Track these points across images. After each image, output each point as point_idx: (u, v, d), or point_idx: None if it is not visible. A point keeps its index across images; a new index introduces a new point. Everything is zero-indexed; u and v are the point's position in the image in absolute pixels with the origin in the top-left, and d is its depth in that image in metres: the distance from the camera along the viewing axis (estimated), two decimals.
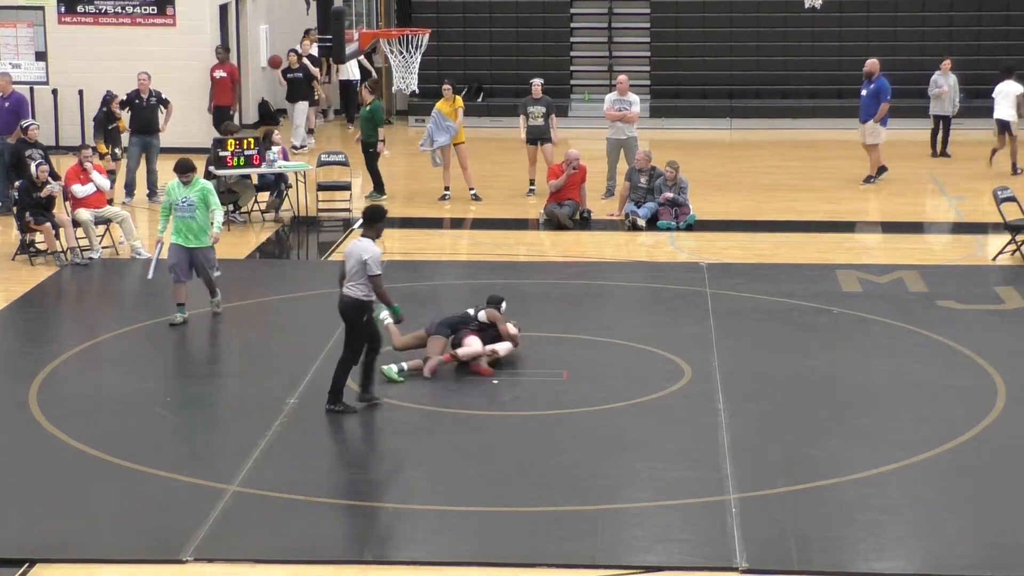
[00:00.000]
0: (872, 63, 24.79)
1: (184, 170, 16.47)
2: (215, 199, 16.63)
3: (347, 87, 30.13)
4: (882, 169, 24.73)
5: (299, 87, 27.98)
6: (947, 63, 27.06)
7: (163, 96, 23.89)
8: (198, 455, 12.79)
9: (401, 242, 21.49)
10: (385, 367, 14.41)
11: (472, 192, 23.35)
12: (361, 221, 14.00)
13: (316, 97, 28.66)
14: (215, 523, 11.17)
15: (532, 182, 23.84)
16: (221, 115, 26.27)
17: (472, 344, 14.79)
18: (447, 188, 23.46)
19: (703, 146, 28.48)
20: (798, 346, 15.83)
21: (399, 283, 18.51)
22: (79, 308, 18.29)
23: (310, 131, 28.51)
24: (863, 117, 24.62)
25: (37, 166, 19.72)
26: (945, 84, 26.86)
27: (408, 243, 21.50)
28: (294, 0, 31.14)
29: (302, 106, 27.95)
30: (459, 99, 23.70)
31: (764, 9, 31.54)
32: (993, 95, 26.06)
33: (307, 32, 29.45)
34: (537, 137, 23.70)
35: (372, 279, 13.52)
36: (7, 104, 22.57)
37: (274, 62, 29.24)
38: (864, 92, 24.67)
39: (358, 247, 13.70)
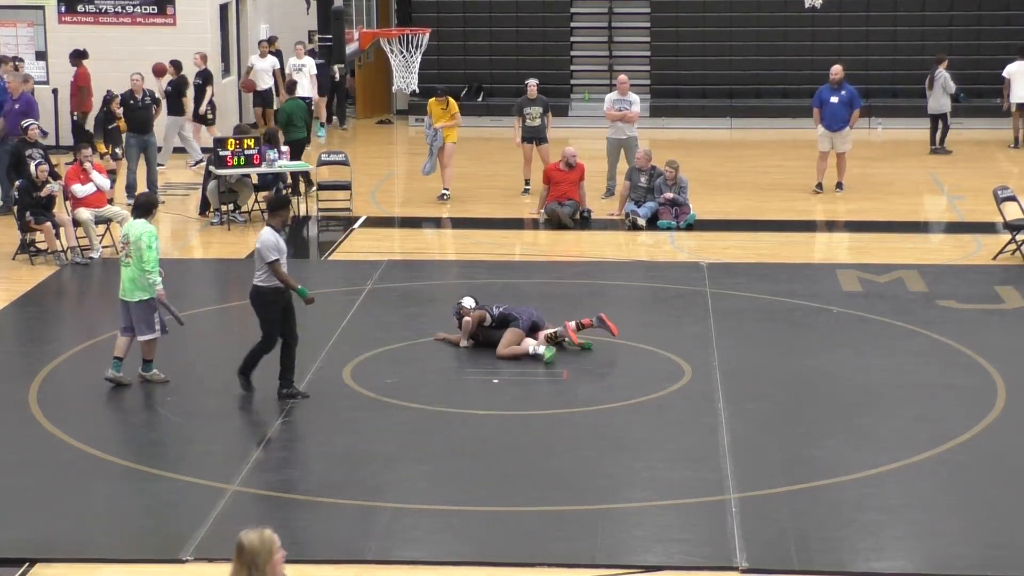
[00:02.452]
0: (839, 69, 24.01)
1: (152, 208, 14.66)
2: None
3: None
4: (837, 182, 23.98)
5: (172, 101, 25.69)
6: (946, 61, 27.24)
7: (156, 96, 23.88)
8: (198, 455, 12.79)
9: (401, 242, 21.49)
10: (547, 355, 14.95)
11: (443, 193, 23.20)
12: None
13: (206, 113, 26.35)
14: (215, 523, 11.16)
15: (527, 182, 23.83)
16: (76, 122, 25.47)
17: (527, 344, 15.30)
18: (446, 188, 23.45)
19: (703, 146, 28.47)
20: (798, 346, 15.82)
21: (399, 283, 18.54)
22: (79, 308, 18.29)
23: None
24: (836, 125, 23.65)
25: (37, 166, 19.73)
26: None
27: (408, 243, 21.51)
28: (294, 0, 31.14)
29: (173, 122, 25.75)
30: (453, 103, 23.54)
31: (764, 9, 31.53)
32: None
33: (268, 40, 28.61)
34: (534, 137, 23.70)
35: (269, 266, 13.72)
36: (17, 106, 22.58)
37: (157, 70, 26.18)
38: (835, 100, 23.72)
39: (259, 237, 13.95)
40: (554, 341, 15.24)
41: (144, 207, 14.54)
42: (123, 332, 14.44)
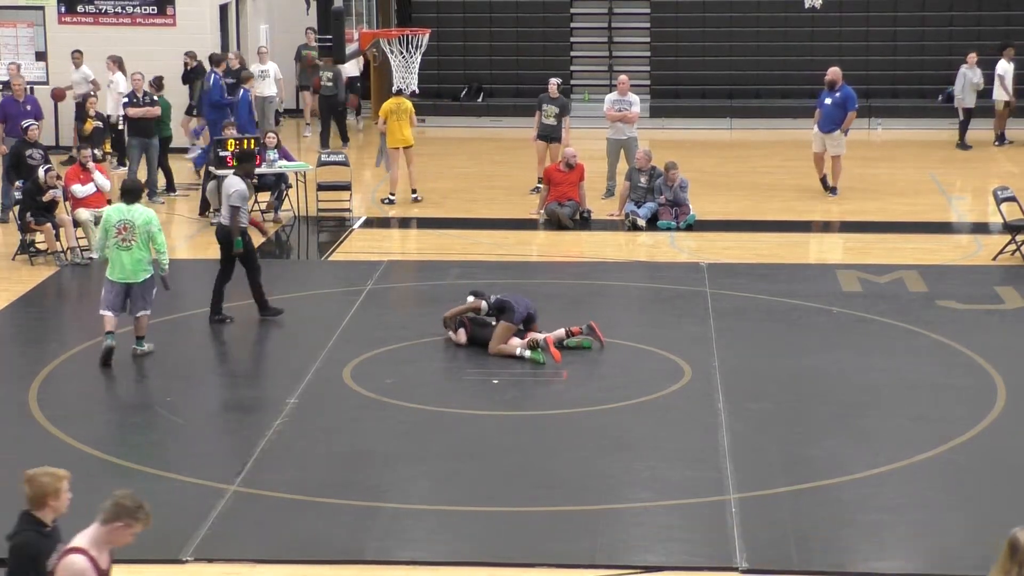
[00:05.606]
0: (835, 71, 23.81)
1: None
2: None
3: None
4: (830, 186, 23.78)
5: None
6: (973, 56, 27.59)
7: (155, 96, 23.91)
8: (198, 455, 12.79)
9: (401, 242, 21.50)
10: (531, 354, 15.02)
11: (388, 197, 23.21)
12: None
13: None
14: (215, 523, 11.16)
15: (540, 179, 23.77)
16: None
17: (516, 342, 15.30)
18: (392, 193, 23.30)
19: (703, 146, 28.47)
20: (798, 346, 15.82)
21: (399, 283, 18.55)
22: (79, 308, 18.27)
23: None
24: (827, 127, 23.43)
25: (47, 172, 19.69)
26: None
27: (408, 243, 21.52)
28: (294, 0, 31.13)
29: None
30: (401, 102, 23.59)
31: (764, 9, 31.53)
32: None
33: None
34: (548, 135, 23.66)
35: (231, 208, 15.94)
36: (28, 107, 22.59)
37: (56, 95, 25.87)
38: (828, 101, 23.52)
39: (227, 182, 16.34)
40: (535, 346, 15.17)
41: (135, 192, 15.31)
42: (109, 309, 14.94)
